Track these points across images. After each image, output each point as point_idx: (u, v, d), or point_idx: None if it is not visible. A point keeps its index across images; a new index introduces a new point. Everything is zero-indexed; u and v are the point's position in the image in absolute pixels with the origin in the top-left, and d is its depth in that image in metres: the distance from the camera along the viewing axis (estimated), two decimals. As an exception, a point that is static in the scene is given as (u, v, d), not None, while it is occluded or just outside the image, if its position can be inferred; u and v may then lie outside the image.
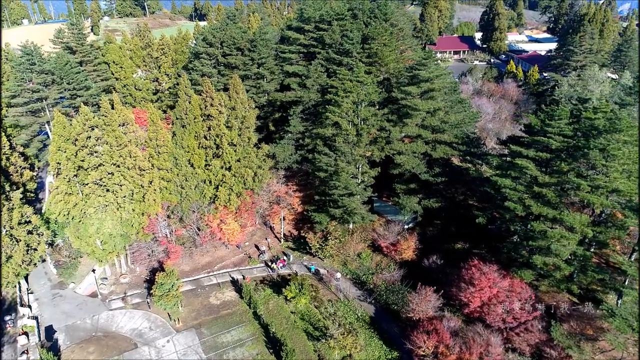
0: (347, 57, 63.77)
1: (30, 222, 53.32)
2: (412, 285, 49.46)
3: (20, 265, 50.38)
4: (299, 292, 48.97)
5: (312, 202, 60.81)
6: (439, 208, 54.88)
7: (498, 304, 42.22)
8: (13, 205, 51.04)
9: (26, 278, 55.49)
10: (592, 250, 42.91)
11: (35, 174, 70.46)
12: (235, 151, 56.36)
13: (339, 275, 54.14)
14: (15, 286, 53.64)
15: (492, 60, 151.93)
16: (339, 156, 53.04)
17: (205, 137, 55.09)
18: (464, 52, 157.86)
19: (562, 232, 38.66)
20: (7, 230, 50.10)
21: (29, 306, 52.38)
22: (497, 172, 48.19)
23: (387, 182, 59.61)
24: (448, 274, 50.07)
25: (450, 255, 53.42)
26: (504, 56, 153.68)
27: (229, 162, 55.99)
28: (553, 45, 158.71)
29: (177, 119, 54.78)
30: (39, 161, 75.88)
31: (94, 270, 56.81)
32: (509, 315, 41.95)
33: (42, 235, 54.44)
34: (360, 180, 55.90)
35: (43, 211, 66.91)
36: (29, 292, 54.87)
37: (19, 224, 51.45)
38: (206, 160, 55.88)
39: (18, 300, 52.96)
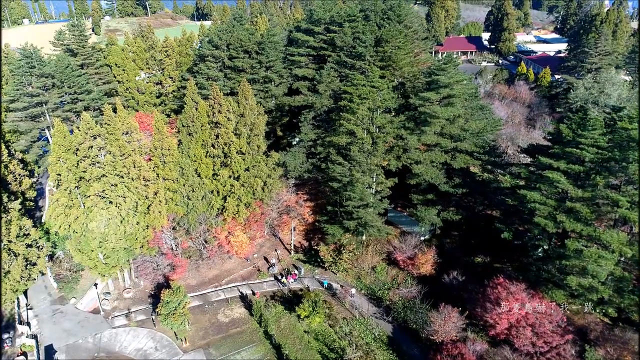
0: (359, 61, 61.07)
1: (29, 234, 50.73)
2: (432, 302, 46.90)
3: (19, 282, 47.75)
4: (313, 311, 46.34)
5: (324, 213, 58.19)
6: (458, 220, 52.18)
7: (527, 327, 39.54)
8: (11, 217, 48.42)
9: (25, 293, 52.94)
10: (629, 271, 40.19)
11: (35, 179, 67.93)
12: (244, 160, 53.71)
13: (354, 291, 51.53)
14: (13, 302, 51.12)
15: (500, 62, 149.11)
16: (353, 166, 50.39)
17: (213, 146, 52.42)
18: (471, 53, 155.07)
19: (600, 251, 35.95)
20: (5, 244, 47.53)
21: (28, 323, 49.83)
22: (524, 183, 45.63)
23: (402, 191, 56.94)
24: (470, 291, 47.49)
25: (471, 270, 50.87)
26: (512, 57, 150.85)
27: (237, 172, 53.33)
28: (562, 46, 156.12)
29: (183, 126, 52.12)
30: (38, 167, 73.32)
31: (96, 285, 54.28)
32: (540, 339, 39.25)
33: (41, 248, 51.81)
34: (375, 191, 53.24)
35: (43, 220, 64.48)
36: (28, 307, 52.34)
37: (18, 236, 48.88)
38: (214, 170, 53.21)
39: (16, 317, 50.44)
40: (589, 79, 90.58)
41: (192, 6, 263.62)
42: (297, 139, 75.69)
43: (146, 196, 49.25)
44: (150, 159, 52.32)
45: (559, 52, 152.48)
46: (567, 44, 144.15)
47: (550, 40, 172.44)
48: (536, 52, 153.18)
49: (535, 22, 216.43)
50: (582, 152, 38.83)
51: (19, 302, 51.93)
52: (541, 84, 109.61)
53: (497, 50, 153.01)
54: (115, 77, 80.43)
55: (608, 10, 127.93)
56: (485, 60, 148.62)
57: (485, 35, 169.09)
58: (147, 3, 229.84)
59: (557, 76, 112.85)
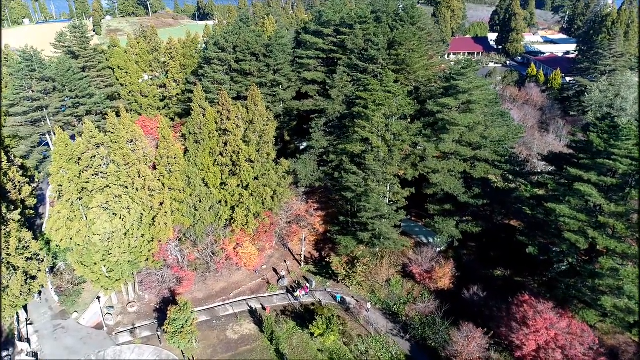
0: (372, 64, 58.78)
1: (29, 246, 48.49)
2: (451, 319, 44.70)
3: (18, 297, 45.52)
4: (327, 328, 44.08)
5: (335, 223, 55.96)
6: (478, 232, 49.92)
7: (557, 349, 37.24)
8: (10, 229, 46.20)
9: (25, 307, 50.72)
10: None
11: (35, 185, 65.74)
12: (253, 168, 51.44)
13: (369, 305, 49.27)
14: (13, 316, 48.92)
15: (507, 62, 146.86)
16: (368, 175, 48.10)
17: (221, 154, 50.14)
18: (478, 53, 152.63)
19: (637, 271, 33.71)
20: (3, 257, 45.31)
21: (28, 340, 47.65)
22: (549, 194, 43.40)
23: (416, 200, 54.64)
24: (491, 307, 45.25)
25: (491, 284, 48.62)
26: (519, 58, 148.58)
27: (246, 181, 51.07)
28: (570, 47, 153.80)
29: (190, 133, 49.85)
30: (39, 173, 71.10)
31: (98, 298, 52.01)
32: (570, 362, 37.03)
33: (42, 261, 49.57)
34: (390, 201, 50.99)
35: (44, 229, 62.29)
36: (28, 322, 50.13)
37: (17, 249, 46.66)
38: (222, 179, 50.95)
39: (16, 332, 48.27)
40: (604, 81, 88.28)
41: (193, 6, 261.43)
42: (304, 144, 73.47)
43: (151, 207, 47.03)
44: (155, 167, 50.13)
45: (567, 53, 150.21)
46: (576, 45, 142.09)
47: (558, 40, 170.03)
48: (544, 53, 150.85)
49: (540, 22, 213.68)
50: (616, 163, 36.57)
51: (18, 317, 49.73)
52: (552, 86, 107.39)
53: (504, 51, 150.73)
54: (117, 79, 78.21)
55: (619, 10, 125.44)
56: (492, 62, 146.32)
57: (491, 36, 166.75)
58: (148, 3, 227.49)
59: (568, 78, 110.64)
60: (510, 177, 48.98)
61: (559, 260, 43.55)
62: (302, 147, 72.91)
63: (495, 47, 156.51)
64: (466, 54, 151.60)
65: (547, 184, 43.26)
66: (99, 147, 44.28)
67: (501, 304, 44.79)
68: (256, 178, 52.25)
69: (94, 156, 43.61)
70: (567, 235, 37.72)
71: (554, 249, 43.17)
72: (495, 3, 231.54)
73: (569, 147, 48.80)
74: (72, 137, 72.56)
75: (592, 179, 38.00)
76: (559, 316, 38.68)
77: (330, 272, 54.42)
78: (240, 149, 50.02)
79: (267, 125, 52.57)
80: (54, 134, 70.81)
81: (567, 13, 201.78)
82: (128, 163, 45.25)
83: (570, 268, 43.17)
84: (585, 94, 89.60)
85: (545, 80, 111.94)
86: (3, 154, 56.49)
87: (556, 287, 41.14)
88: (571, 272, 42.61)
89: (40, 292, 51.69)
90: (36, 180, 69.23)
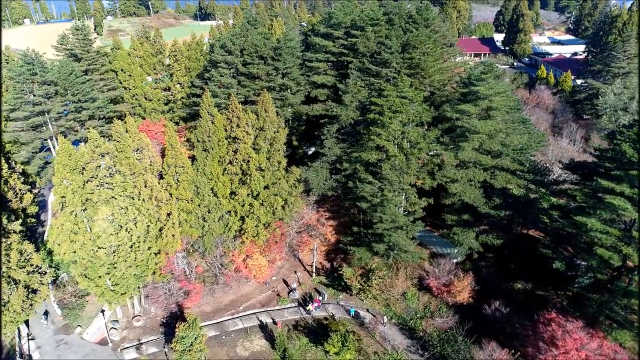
0: (385, 68, 56.78)
1: (31, 258, 46.49)
2: (471, 334, 42.77)
3: (20, 314, 43.52)
4: (343, 346, 42.10)
5: (348, 233, 54.00)
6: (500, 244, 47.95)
7: (589, 372, 35.31)
8: (11, 242, 44.22)
9: (26, 321, 48.75)
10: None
11: (37, 191, 63.78)
12: (263, 177, 49.44)
13: (385, 319, 47.29)
14: (14, 331, 46.93)
15: (515, 64, 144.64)
16: (384, 185, 46.10)
17: (230, 163, 48.12)
18: (484, 54, 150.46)
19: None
20: (4, 272, 43.33)
21: (30, 357, 45.72)
22: (575, 205, 41.43)
23: (432, 210, 52.57)
24: (514, 324, 43.29)
25: (512, 298, 46.67)
26: (527, 59, 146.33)
27: (256, 190, 49.07)
28: (578, 48, 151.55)
29: (198, 141, 47.84)
30: (40, 179, 69.16)
31: (103, 312, 50.12)
32: (603, 386, 35.05)
33: (44, 274, 47.58)
34: (405, 211, 49.00)
35: (45, 237, 60.35)
36: (30, 337, 48.18)
37: (18, 262, 44.66)
38: (231, 188, 48.95)
39: (17, 348, 46.33)
40: (618, 84, 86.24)
41: (194, 6, 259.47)
42: (312, 149, 71.46)
43: (158, 218, 45.07)
44: (161, 177, 48.18)
45: (575, 54, 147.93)
46: (584, 46, 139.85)
47: (565, 41, 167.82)
48: (551, 54, 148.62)
49: (544, 22, 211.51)
50: (651, 175, 34.59)
51: (19, 332, 47.79)
52: (563, 88, 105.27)
53: (511, 52, 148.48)
54: (121, 83, 76.21)
55: (630, 10, 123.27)
56: (499, 63, 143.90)
57: (497, 36, 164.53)
58: (149, 3, 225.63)
59: (578, 81, 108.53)
60: (533, 187, 46.90)
61: (583, 274, 41.59)
62: (310, 152, 70.94)
63: (502, 48, 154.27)
64: (472, 55, 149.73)
65: (574, 195, 41.12)
66: (103, 156, 42.28)
67: (524, 320, 42.89)
68: (266, 187, 50.26)
69: (99, 166, 41.61)
70: (600, 252, 35.73)
71: (581, 263, 41.22)
72: (498, 3, 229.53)
73: (593, 156, 46.78)
74: (75, 143, 70.91)
75: (625, 191, 35.98)
76: (590, 336, 36.66)
77: (343, 283, 52.42)
78: (250, 157, 48.03)
79: (278, 132, 50.58)
80: (56, 139, 69.13)
81: (573, 13, 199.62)
82: (134, 173, 43.27)
83: (596, 282, 41.24)
84: (599, 97, 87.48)
85: (556, 82, 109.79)
86: (3, 161, 54.63)
87: (584, 305, 39.11)
88: (597, 287, 40.68)
89: (46, 313, 49.63)
90: (37, 186, 67.30)
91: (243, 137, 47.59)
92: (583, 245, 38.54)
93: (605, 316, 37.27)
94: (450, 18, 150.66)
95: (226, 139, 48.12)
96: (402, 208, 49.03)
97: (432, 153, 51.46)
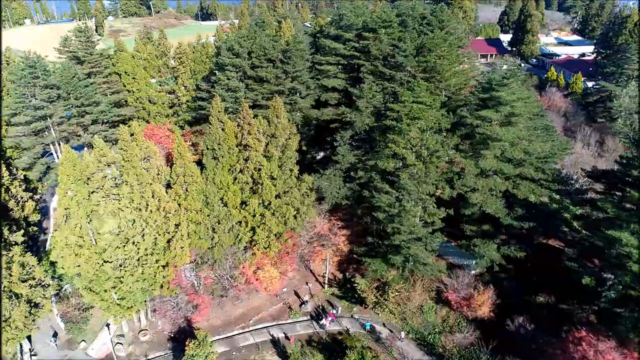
0: (399, 72, 54.83)
1: (33, 272, 44.57)
2: (495, 353, 40.92)
3: (22, 330, 41.59)
4: (361, 365, 40.22)
5: (361, 242, 52.07)
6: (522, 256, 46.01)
7: (624, 396, 33.48)
8: (13, 255, 42.32)
9: (29, 336, 46.82)
10: None
11: (39, 197, 61.90)
12: (275, 186, 47.51)
13: (403, 334, 45.40)
14: (15, 347, 44.99)
15: (522, 65, 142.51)
16: (403, 195, 44.14)
17: (241, 171, 46.18)
18: (491, 56, 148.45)
19: None
20: (5, 286, 41.42)
21: (32, 374, 43.86)
22: (602, 216, 39.49)
23: (449, 219, 50.57)
24: (538, 340, 41.38)
25: (535, 313, 44.70)
26: (535, 60, 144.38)
27: (267, 199, 47.15)
28: (585, 49, 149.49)
29: (207, 149, 45.91)
30: (42, 185, 67.28)
31: (108, 325, 48.20)
32: (639, 410, 33.20)
33: (47, 287, 45.63)
34: (422, 221, 47.01)
35: (47, 246, 58.46)
36: (32, 353, 46.32)
37: (20, 275, 42.72)
38: (242, 198, 47.00)
39: (19, 365, 44.50)
40: (632, 86, 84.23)
41: (196, 6, 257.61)
42: (321, 154, 69.57)
43: (166, 230, 43.14)
44: (169, 186, 46.27)
45: (583, 55, 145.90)
46: (593, 47, 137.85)
47: (573, 42, 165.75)
48: (559, 55, 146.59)
49: (549, 22, 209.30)
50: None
51: (21, 348, 45.95)
52: (574, 90, 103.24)
53: (518, 53, 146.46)
54: (124, 86, 74.30)
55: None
56: (506, 64, 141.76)
57: (502, 37, 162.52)
58: (150, 3, 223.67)
59: (589, 83, 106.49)
60: (557, 197, 44.93)
61: (610, 288, 39.63)
62: (318, 157, 69.06)
63: (510, 48, 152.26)
64: (479, 56, 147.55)
65: (600, 207, 39.08)
66: (109, 166, 40.38)
67: (550, 337, 41.02)
68: (278, 196, 48.34)
69: (105, 176, 39.71)
70: (635, 268, 33.80)
71: (610, 277, 39.23)
72: (500, 3, 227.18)
73: (618, 163, 44.79)
74: (78, 148, 68.98)
75: (662, 205, 34.12)
76: (623, 357, 34.87)
77: (356, 295, 50.54)
78: (262, 165, 46.10)
79: (290, 139, 48.66)
80: (59, 144, 67.20)
81: (579, 13, 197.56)
82: (142, 183, 41.35)
83: (623, 297, 39.29)
84: (613, 99, 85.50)
85: (566, 84, 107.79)
86: (4, 167, 52.71)
87: (615, 322, 37.17)
88: (625, 302, 38.73)
89: (55, 335, 47.65)
90: (39, 192, 65.39)
91: (254, 144, 45.67)
92: (615, 260, 36.59)
93: (638, 334, 35.34)
94: (456, 18, 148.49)
95: (237, 146, 46.19)
96: (418, 218, 47.07)
97: (447, 159, 49.62)
